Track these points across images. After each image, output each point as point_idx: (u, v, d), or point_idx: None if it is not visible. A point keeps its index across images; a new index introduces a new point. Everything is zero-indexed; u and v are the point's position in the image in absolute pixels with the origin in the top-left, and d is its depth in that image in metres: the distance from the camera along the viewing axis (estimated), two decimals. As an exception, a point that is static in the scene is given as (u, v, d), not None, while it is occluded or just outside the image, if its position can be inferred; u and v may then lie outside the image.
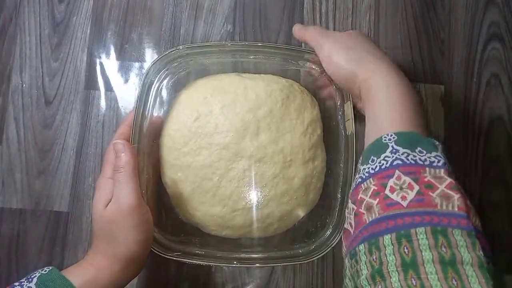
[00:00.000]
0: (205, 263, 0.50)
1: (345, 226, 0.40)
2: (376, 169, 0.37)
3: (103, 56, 0.60)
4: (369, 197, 0.36)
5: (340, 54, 0.45)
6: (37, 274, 0.41)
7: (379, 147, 0.37)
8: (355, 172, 0.50)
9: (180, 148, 0.51)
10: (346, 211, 0.40)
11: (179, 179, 0.51)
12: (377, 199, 0.35)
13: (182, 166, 0.51)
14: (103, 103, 0.60)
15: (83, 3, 0.61)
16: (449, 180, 0.34)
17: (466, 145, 0.59)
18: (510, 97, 0.60)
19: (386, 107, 0.40)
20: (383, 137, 0.38)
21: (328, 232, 0.51)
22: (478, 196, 0.58)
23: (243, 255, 0.52)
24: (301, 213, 0.53)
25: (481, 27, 0.61)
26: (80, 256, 0.45)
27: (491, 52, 0.61)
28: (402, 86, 0.41)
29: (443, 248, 0.31)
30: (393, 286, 0.31)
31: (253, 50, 0.53)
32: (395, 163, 0.36)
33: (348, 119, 0.51)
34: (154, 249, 0.48)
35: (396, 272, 0.31)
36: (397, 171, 0.35)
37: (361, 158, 0.40)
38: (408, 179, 0.34)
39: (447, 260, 0.30)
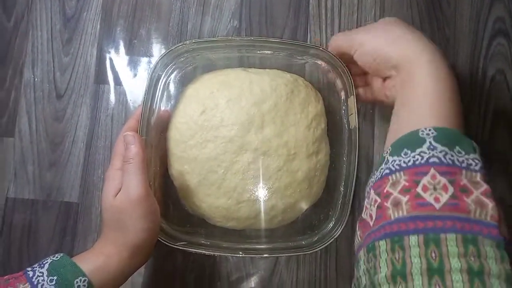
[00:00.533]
0: (211, 252, 0.51)
1: (363, 216, 0.38)
2: (409, 163, 0.35)
3: (113, 51, 0.62)
4: (398, 192, 0.34)
5: (375, 38, 0.44)
6: (49, 260, 0.42)
7: (415, 140, 0.35)
8: (358, 166, 0.51)
9: (187, 141, 0.52)
10: (366, 200, 0.38)
11: (185, 171, 0.52)
12: (407, 196, 0.33)
13: (188, 159, 0.52)
14: (112, 97, 0.61)
15: (93, -1, 0.63)
16: (485, 186, 0.33)
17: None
18: (515, 92, 0.60)
19: (429, 97, 0.38)
20: (420, 131, 0.36)
21: (331, 225, 0.52)
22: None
23: (247, 246, 0.53)
24: (304, 205, 0.54)
25: (486, 22, 0.61)
26: (89, 246, 0.47)
27: (496, 47, 0.61)
28: (446, 75, 0.39)
29: (472, 258, 0.30)
30: None
31: (258, 45, 0.54)
32: (431, 160, 0.34)
33: (352, 113, 0.51)
34: (161, 238, 0.50)
35: (420, 276, 0.30)
36: (432, 169, 0.33)
37: (389, 148, 0.38)
38: (443, 180, 0.33)
39: (475, 271, 0.29)
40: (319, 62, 0.54)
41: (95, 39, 0.62)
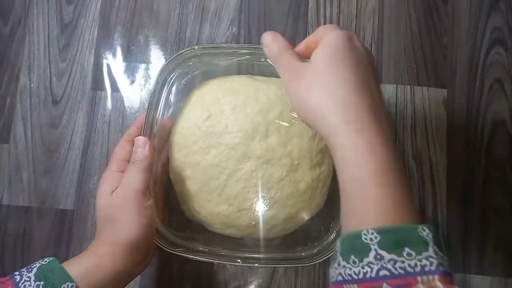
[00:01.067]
0: (209, 260, 0.51)
1: None
2: (360, 276, 0.32)
3: (110, 57, 0.61)
4: None
5: (311, 88, 0.37)
6: (37, 265, 0.42)
7: (360, 247, 0.32)
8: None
9: (190, 146, 0.52)
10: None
11: (187, 177, 0.52)
12: None
13: (190, 164, 0.52)
14: (109, 103, 0.61)
15: (91, 5, 0.62)
16: None
17: (468, 148, 0.59)
18: (513, 101, 0.60)
19: (363, 184, 0.33)
20: (363, 234, 0.32)
21: (332, 237, 0.52)
22: (480, 200, 0.58)
23: (246, 255, 0.52)
24: (305, 216, 0.53)
25: (484, 32, 0.62)
26: (85, 254, 0.46)
27: (494, 57, 0.61)
28: (382, 147, 0.34)
29: None
30: None
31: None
32: (381, 273, 0.31)
33: None
34: (159, 243, 0.49)
35: None
36: (385, 284, 0.30)
37: (339, 244, 0.34)
38: None
39: None
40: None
41: (93, 45, 0.62)
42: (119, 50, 0.61)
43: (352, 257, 0.32)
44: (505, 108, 0.60)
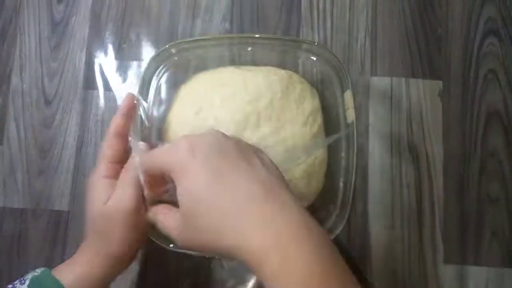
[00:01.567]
0: (204, 255, 0.50)
1: None
2: None
3: (102, 55, 0.61)
4: None
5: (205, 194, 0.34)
6: (30, 276, 0.41)
7: None
8: (356, 161, 0.50)
9: (183, 142, 0.51)
10: None
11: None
12: None
13: (185, 159, 0.51)
14: (101, 102, 0.60)
15: (81, 3, 0.62)
16: None
17: (464, 139, 0.59)
18: (507, 92, 0.60)
19: None
20: None
21: (332, 221, 0.52)
22: (476, 190, 0.58)
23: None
24: (304, 202, 0.53)
25: (477, 22, 0.61)
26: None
27: (488, 47, 0.61)
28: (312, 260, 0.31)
29: None
30: None
31: (250, 42, 0.53)
32: None
33: (348, 108, 0.51)
34: (155, 240, 0.48)
35: None
36: None
37: None
38: None
39: None
40: (313, 57, 0.54)
41: (84, 44, 0.61)
42: (110, 48, 0.61)
43: None
44: (500, 98, 0.60)
